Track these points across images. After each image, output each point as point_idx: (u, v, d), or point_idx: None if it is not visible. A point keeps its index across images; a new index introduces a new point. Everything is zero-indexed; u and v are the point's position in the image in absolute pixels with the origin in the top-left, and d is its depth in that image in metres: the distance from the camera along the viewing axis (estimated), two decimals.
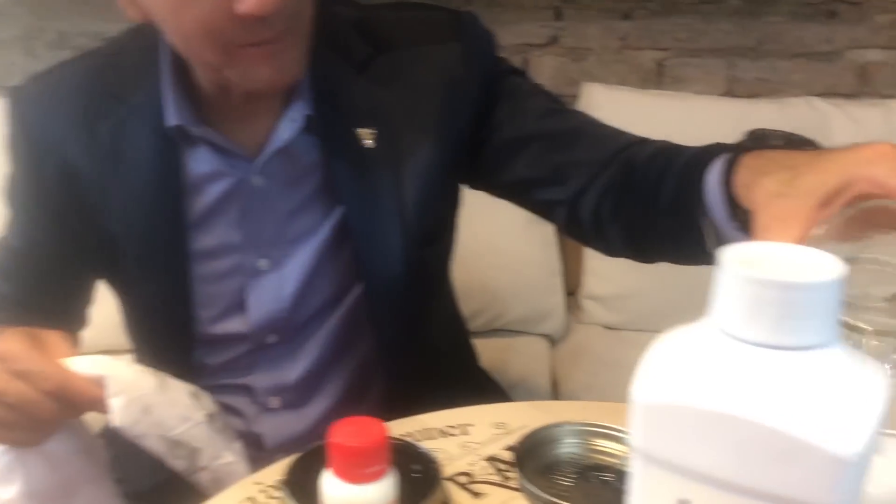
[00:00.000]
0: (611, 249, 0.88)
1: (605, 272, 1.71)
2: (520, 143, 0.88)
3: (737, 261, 0.38)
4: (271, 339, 0.90)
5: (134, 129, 0.83)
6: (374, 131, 0.84)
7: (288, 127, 0.83)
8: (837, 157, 0.55)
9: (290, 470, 0.68)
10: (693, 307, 1.62)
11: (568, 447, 0.74)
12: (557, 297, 1.70)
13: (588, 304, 1.73)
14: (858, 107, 1.76)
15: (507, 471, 0.72)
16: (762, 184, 0.58)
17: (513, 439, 0.76)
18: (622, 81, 1.94)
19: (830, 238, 0.50)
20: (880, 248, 0.49)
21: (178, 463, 0.70)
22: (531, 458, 0.72)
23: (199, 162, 0.84)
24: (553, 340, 1.69)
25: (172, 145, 0.83)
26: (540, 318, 1.69)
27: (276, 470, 0.71)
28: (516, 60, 1.83)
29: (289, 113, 0.82)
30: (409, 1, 0.94)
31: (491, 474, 0.72)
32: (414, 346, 0.93)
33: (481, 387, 1.10)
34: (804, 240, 0.51)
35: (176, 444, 0.69)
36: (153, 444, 0.69)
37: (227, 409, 0.92)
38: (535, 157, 0.87)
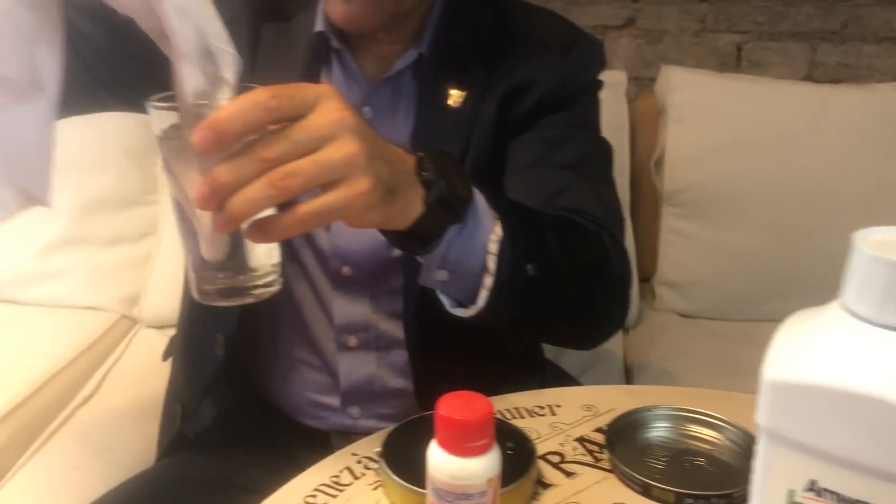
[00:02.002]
0: None
1: (681, 259, 1.69)
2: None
3: (871, 244, 0.38)
4: (346, 270, 0.92)
5: (291, 36, 0.91)
6: (463, 94, 0.89)
7: (401, 62, 0.89)
8: None
9: (387, 441, 0.69)
10: (769, 296, 1.61)
11: (660, 431, 0.74)
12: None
13: (662, 292, 1.71)
14: None
15: (598, 452, 0.72)
16: None
17: (602, 421, 0.76)
18: (699, 65, 1.91)
19: None
20: None
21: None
22: (622, 440, 0.72)
23: (329, 79, 0.91)
24: (626, 327, 1.68)
25: (316, 57, 0.91)
26: None
27: (372, 441, 0.73)
28: None
29: (406, 53, 0.89)
30: (545, 7, 0.99)
31: (582, 455, 0.72)
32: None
33: (550, 373, 1.10)
34: None
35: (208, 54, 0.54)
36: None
37: (307, 340, 0.95)
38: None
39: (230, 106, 0.52)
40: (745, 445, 0.71)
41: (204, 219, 0.55)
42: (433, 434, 0.55)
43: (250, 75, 0.89)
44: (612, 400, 0.80)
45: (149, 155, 1.71)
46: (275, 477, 0.97)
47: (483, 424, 0.53)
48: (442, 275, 0.70)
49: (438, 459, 0.54)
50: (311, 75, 0.91)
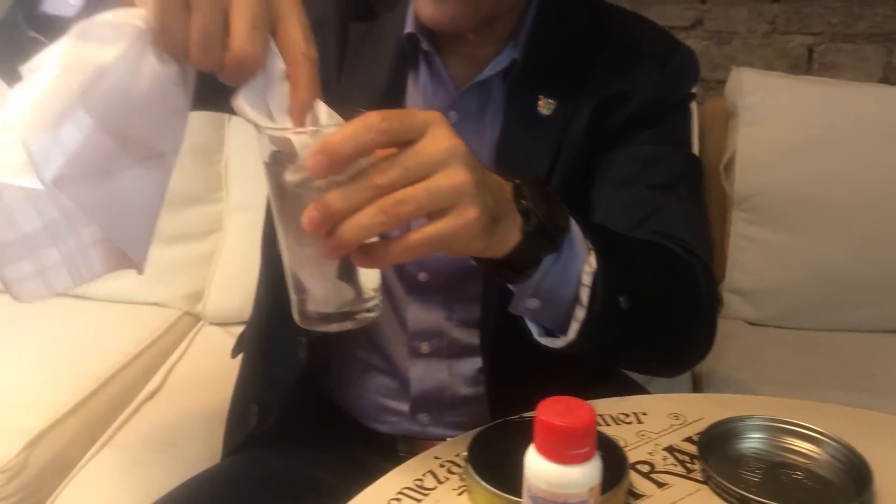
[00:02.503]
0: None
1: (751, 266, 1.65)
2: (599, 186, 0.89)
3: None
4: (422, 276, 0.90)
5: (379, 37, 0.89)
6: (554, 102, 0.86)
7: (493, 66, 0.87)
8: None
9: (473, 445, 0.67)
10: (841, 305, 1.56)
11: (753, 442, 0.71)
12: None
13: (731, 299, 1.67)
14: None
15: (690, 462, 0.69)
16: None
17: (691, 431, 0.74)
18: (768, 67, 1.87)
19: None
20: None
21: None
22: (715, 450, 0.69)
23: (416, 81, 0.89)
24: None
25: (403, 61, 0.89)
26: None
27: (453, 445, 0.71)
28: None
29: (499, 56, 0.86)
30: (643, 16, 0.97)
31: (673, 465, 0.69)
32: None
33: (616, 380, 1.08)
34: None
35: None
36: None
37: (379, 344, 0.94)
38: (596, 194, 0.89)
39: (342, 129, 0.52)
40: (847, 461, 0.68)
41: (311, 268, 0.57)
42: (522, 439, 0.53)
43: (338, 76, 0.89)
44: (700, 409, 0.77)
45: (214, 153, 1.72)
46: (341, 479, 0.96)
47: (586, 431, 0.51)
48: (534, 303, 0.69)
49: (538, 466, 0.52)
50: (399, 77, 0.89)
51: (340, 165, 0.52)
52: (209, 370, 1.49)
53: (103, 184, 0.51)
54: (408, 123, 0.54)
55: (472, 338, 0.92)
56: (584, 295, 0.68)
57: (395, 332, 0.94)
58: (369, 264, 0.56)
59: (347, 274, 0.58)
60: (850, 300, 1.61)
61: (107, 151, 0.51)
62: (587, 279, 0.68)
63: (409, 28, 0.87)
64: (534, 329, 0.73)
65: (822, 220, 1.62)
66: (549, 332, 0.73)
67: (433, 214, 0.55)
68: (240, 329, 1.60)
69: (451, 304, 0.91)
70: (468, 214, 0.55)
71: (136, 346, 1.54)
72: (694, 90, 0.95)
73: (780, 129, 1.64)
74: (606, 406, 0.78)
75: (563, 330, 0.71)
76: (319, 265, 0.57)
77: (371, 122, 0.52)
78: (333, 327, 0.59)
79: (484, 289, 0.88)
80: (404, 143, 0.54)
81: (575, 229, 0.68)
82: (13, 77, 0.52)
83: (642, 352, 0.79)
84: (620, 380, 1.09)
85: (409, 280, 0.91)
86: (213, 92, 0.56)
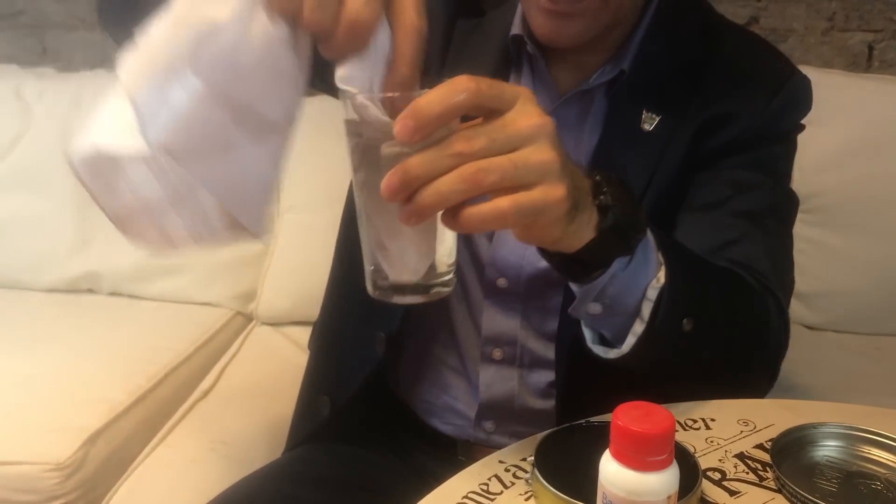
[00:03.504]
0: None
1: (809, 268, 1.60)
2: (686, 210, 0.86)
3: None
4: (501, 282, 0.89)
5: (484, 34, 0.89)
6: (657, 118, 0.83)
7: (599, 76, 0.85)
8: None
9: (540, 450, 0.66)
10: None
11: (828, 450, 0.69)
12: None
13: None
14: None
15: (762, 470, 0.67)
16: None
17: (762, 437, 0.72)
18: (826, 65, 1.82)
19: None
20: None
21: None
22: (789, 458, 0.67)
23: (518, 83, 0.87)
24: None
25: (506, 61, 0.87)
26: None
27: (518, 450, 0.70)
28: None
29: (605, 67, 0.85)
30: (760, 35, 0.94)
31: (745, 472, 0.67)
32: None
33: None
34: None
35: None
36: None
37: (456, 344, 0.94)
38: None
39: (430, 92, 0.51)
40: None
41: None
42: (589, 443, 0.53)
43: (439, 71, 0.88)
44: (770, 415, 0.75)
45: None
46: (398, 481, 0.96)
47: (666, 438, 0.50)
48: (595, 308, 0.67)
49: (614, 472, 0.51)
50: (501, 78, 0.86)
51: (427, 130, 0.50)
52: (261, 370, 1.50)
53: (217, 158, 0.50)
54: (497, 90, 0.53)
55: (546, 350, 0.90)
56: (647, 309, 0.67)
57: (469, 335, 0.93)
58: (455, 226, 0.54)
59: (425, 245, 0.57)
60: None
61: (219, 122, 0.49)
62: (652, 293, 0.66)
63: (515, 29, 0.85)
64: (588, 335, 0.71)
65: (882, 222, 1.58)
66: (602, 341, 0.72)
67: (515, 190, 0.53)
68: (292, 329, 1.64)
69: (528, 313, 0.90)
70: (556, 192, 0.53)
71: (190, 345, 1.56)
72: (804, 122, 0.91)
73: (839, 129, 1.60)
74: (673, 412, 0.76)
75: (620, 341, 0.69)
76: (397, 234, 0.56)
77: (459, 82, 0.51)
78: (406, 299, 0.58)
79: (564, 301, 0.86)
80: (491, 112, 0.53)
81: (650, 238, 0.66)
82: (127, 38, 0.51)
83: (696, 378, 0.77)
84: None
85: (487, 284, 0.90)
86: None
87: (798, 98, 0.88)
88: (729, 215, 0.83)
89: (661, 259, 0.67)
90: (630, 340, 0.68)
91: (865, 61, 1.83)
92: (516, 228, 0.57)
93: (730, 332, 0.75)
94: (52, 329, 1.61)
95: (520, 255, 0.87)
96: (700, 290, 0.71)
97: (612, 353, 0.69)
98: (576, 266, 0.64)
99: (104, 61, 2.01)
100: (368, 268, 0.59)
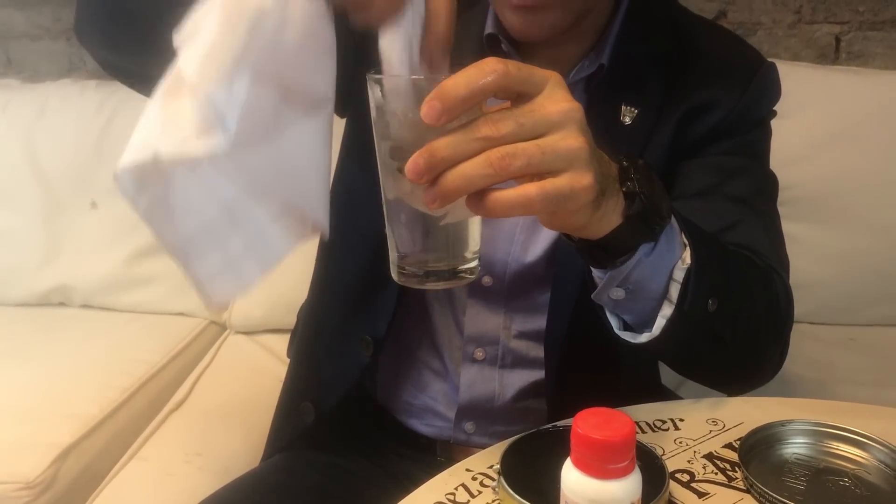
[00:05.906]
0: None
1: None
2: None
3: None
4: (486, 280, 0.88)
5: (457, 36, 0.86)
6: (635, 111, 0.83)
7: (578, 72, 0.85)
8: None
9: (506, 457, 0.65)
10: (876, 300, 1.51)
11: (797, 448, 0.69)
12: None
13: None
14: None
15: (731, 470, 0.67)
16: None
17: (731, 437, 0.72)
18: (795, 58, 1.82)
19: None
20: None
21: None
22: (757, 457, 0.67)
23: None
24: None
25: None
26: None
27: (486, 457, 0.70)
28: None
29: (583, 63, 0.85)
30: (725, 27, 0.95)
31: (714, 473, 0.67)
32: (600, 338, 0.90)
33: (649, 386, 1.05)
34: None
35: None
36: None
37: (439, 346, 0.93)
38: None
39: (457, 74, 0.50)
40: None
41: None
42: (556, 450, 0.52)
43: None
44: (739, 413, 0.75)
45: None
46: (371, 486, 0.95)
47: (625, 445, 0.49)
48: (619, 293, 0.66)
49: (575, 481, 0.50)
50: None
51: (455, 112, 0.50)
52: (236, 379, 1.48)
53: (271, 146, 0.49)
54: (526, 73, 0.52)
55: (529, 349, 0.90)
56: (675, 291, 0.66)
57: (450, 335, 0.93)
58: (481, 210, 0.53)
59: (455, 231, 0.57)
60: (885, 294, 1.57)
61: (270, 108, 0.48)
62: (679, 275, 0.66)
63: (489, 29, 0.85)
64: (614, 322, 0.71)
65: (852, 213, 1.58)
66: (626, 327, 0.71)
67: (542, 176, 0.52)
68: (266, 337, 1.62)
69: (511, 312, 0.90)
70: (583, 180, 0.52)
71: (164, 356, 1.54)
72: (775, 108, 0.92)
73: (808, 121, 1.60)
74: (641, 412, 0.76)
75: (644, 326, 0.69)
76: (423, 219, 0.55)
77: (487, 64, 0.50)
78: (430, 284, 0.58)
79: (552, 300, 0.86)
80: (519, 96, 0.52)
81: (674, 222, 0.66)
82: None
83: (718, 359, 0.77)
84: (651, 384, 1.07)
85: (472, 282, 0.89)
86: None
87: (770, 84, 0.90)
88: (722, 200, 0.84)
89: (686, 241, 0.67)
90: (660, 323, 0.67)
91: (833, 53, 1.84)
92: (542, 214, 0.57)
93: (749, 311, 0.75)
94: (22, 344, 1.58)
95: (506, 251, 0.87)
96: (723, 270, 0.71)
97: (643, 338, 0.69)
98: (600, 251, 0.63)
99: (70, 71, 1.98)
100: (392, 253, 0.58)
